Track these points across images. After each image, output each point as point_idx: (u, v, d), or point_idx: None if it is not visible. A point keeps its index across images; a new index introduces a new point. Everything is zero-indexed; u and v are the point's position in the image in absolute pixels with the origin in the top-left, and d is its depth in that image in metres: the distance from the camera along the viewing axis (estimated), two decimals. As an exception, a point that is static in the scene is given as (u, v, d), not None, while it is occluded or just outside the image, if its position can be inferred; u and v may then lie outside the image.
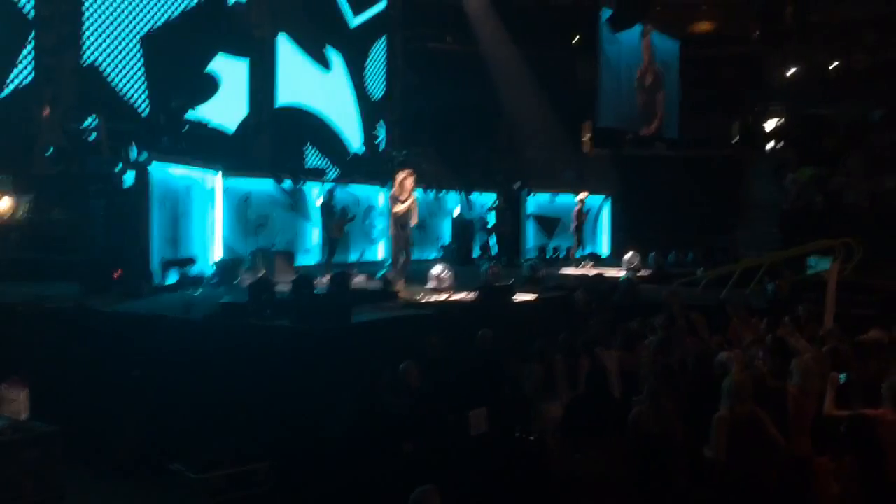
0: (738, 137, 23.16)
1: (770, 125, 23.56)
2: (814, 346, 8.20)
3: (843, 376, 6.93)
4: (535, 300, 11.77)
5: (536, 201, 19.99)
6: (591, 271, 15.63)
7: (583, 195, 18.44)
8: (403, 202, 11.50)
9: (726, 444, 5.76)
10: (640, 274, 15.03)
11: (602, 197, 21.09)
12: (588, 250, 20.38)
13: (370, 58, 20.68)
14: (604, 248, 20.97)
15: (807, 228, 16.35)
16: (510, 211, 18.73)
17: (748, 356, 7.66)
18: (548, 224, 20.29)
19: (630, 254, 16.91)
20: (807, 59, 23.48)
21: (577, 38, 23.32)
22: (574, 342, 7.95)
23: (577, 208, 18.29)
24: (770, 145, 23.11)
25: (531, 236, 19.85)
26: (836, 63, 22.90)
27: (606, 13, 20.89)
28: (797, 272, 14.15)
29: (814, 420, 6.61)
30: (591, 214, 20.98)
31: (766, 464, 5.89)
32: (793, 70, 23.64)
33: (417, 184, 12.01)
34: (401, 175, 11.70)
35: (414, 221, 11.80)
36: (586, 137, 23.15)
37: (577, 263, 17.35)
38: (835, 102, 22.34)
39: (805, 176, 19.64)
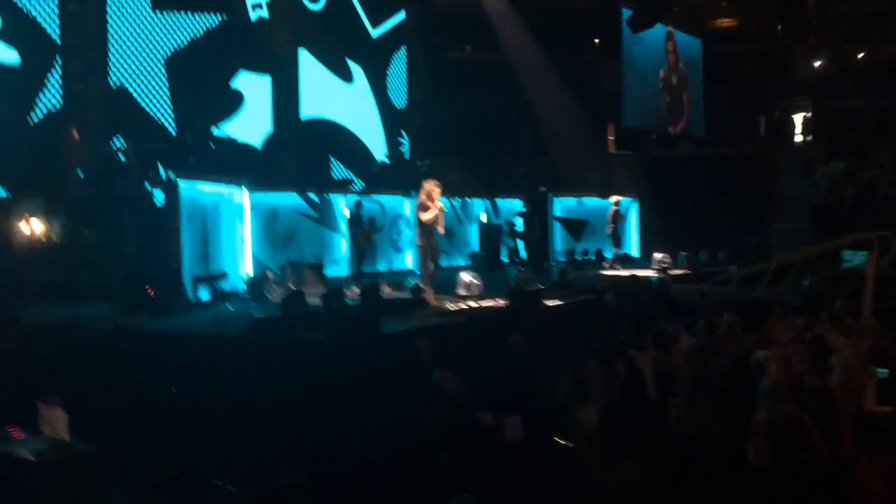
0: (765, 134, 22.91)
1: (797, 120, 23.30)
2: (852, 341, 8.05)
3: (883, 371, 6.81)
4: (565, 304, 11.70)
5: (563, 205, 19.91)
6: (639, 272, 15.48)
7: (616, 198, 18.29)
8: (430, 211, 11.53)
9: (768, 448, 5.66)
10: (671, 273, 14.90)
11: (630, 199, 20.97)
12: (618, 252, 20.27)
13: (391, 68, 20.77)
14: (633, 249, 20.82)
15: (839, 223, 16.11)
16: (537, 215, 18.67)
17: (786, 355, 7.54)
18: (575, 227, 20.19)
19: (661, 255, 16.82)
20: (831, 51, 23.18)
21: (598, 40, 23.23)
22: (608, 346, 7.88)
23: (612, 210, 18.11)
24: (798, 140, 22.84)
25: (559, 240, 19.77)
26: (861, 55, 22.60)
27: (627, 13, 20.79)
28: (832, 267, 13.94)
29: (855, 417, 6.49)
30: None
31: (809, 466, 5.78)
32: (818, 63, 23.36)
33: (443, 192, 12.05)
34: (427, 184, 11.74)
35: (441, 230, 11.83)
36: (610, 139, 23.03)
37: (608, 265, 17.26)
38: (862, 94, 22.03)
39: (836, 170, 19.36)
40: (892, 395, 6.60)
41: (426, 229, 11.66)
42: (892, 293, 10.85)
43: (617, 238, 18.20)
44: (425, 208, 11.58)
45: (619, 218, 18.09)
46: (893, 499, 5.77)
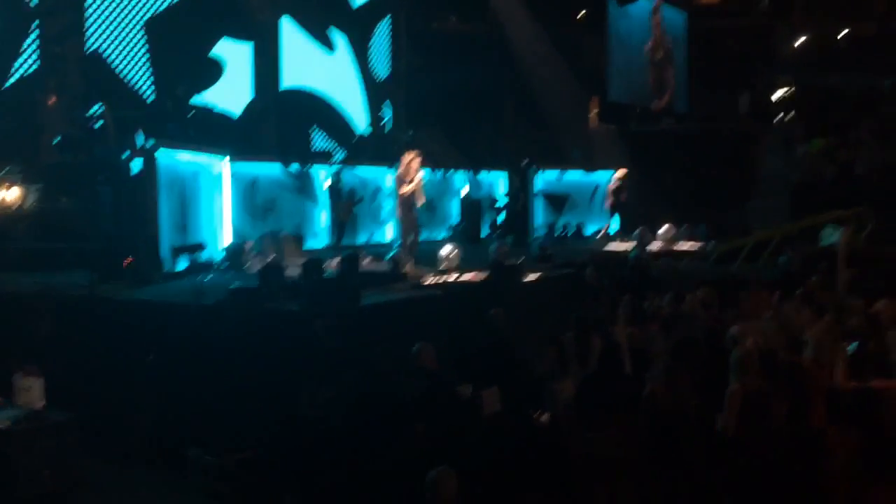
0: (746, 110, 22.94)
1: (778, 97, 23.37)
2: (826, 317, 8.15)
3: (852, 347, 6.91)
4: (545, 278, 11.75)
5: (544, 178, 19.91)
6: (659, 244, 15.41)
7: (620, 173, 18.11)
8: (410, 183, 11.50)
9: (737, 417, 5.77)
10: (650, 249, 14.98)
11: (611, 173, 20.98)
12: (597, 227, 20.34)
13: (374, 38, 20.56)
14: (613, 224, 20.88)
15: (818, 200, 16.23)
16: (520, 189, 18.67)
17: (761, 329, 7.63)
18: (556, 201, 20.21)
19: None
20: (814, 28, 23.21)
21: (583, 13, 23.10)
22: (585, 320, 7.93)
23: (613, 186, 17.99)
24: (779, 117, 22.91)
25: (540, 214, 19.80)
26: (844, 32, 22.64)
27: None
28: (810, 244, 14.08)
29: (827, 392, 6.59)
30: (600, 191, 20.90)
31: (777, 437, 5.89)
32: (801, 40, 23.38)
33: (424, 164, 12.03)
34: (407, 156, 11.76)
35: (421, 202, 11.82)
36: (593, 113, 22.98)
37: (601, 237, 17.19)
38: (844, 72, 22.10)
39: (815, 147, 19.48)
40: (862, 371, 6.70)
41: (406, 201, 11.64)
42: (867, 270, 10.97)
43: (614, 212, 17.95)
44: (405, 180, 11.55)
45: (620, 194, 17.88)
46: (853, 473, 5.89)
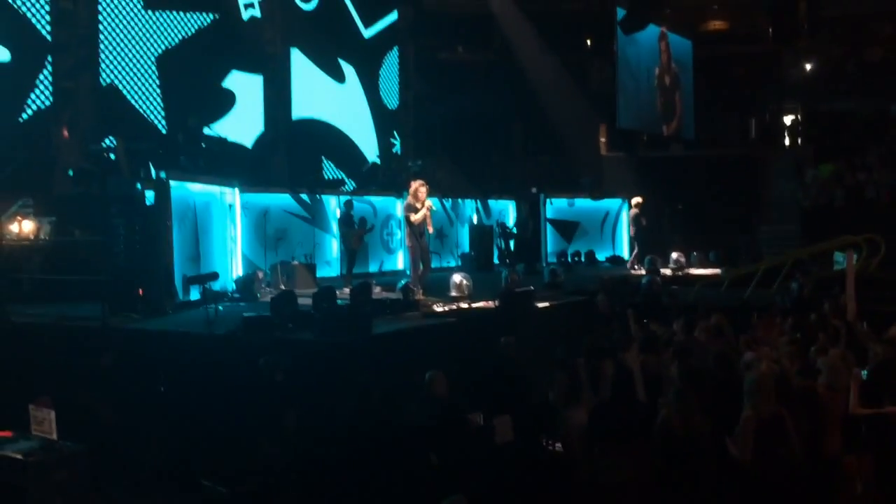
0: (755, 136, 23.01)
1: (787, 123, 23.41)
2: (841, 342, 8.11)
3: (865, 372, 6.86)
4: (556, 305, 11.74)
5: (555, 207, 19.95)
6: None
7: (637, 200, 18.04)
8: (418, 211, 11.60)
9: (752, 444, 5.71)
10: (662, 274, 14.96)
11: (620, 200, 21.04)
12: (608, 254, 20.34)
13: (383, 69, 20.77)
14: (624, 251, 20.89)
15: (828, 225, 16.20)
16: (529, 217, 18.71)
17: (775, 355, 7.59)
18: (566, 228, 20.24)
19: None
20: (821, 54, 23.30)
21: (590, 41, 23.29)
22: (597, 346, 7.90)
23: (632, 213, 17.91)
24: (788, 143, 22.94)
25: (550, 241, 19.82)
26: (850, 58, 22.73)
27: (621, 13, 20.87)
28: (821, 269, 14.03)
29: (843, 418, 6.54)
30: (609, 217, 20.92)
31: (796, 464, 5.84)
32: (808, 66, 23.47)
33: (432, 193, 12.13)
34: (414, 185, 11.88)
35: (430, 229, 11.93)
36: (602, 140, 23.07)
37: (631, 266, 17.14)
38: (851, 97, 22.15)
39: (825, 172, 19.46)
40: (874, 397, 6.65)
41: (415, 230, 11.73)
42: (879, 295, 10.92)
43: (638, 241, 17.69)
44: (413, 209, 11.68)
45: (640, 221, 17.77)
46: (870, 500, 5.82)
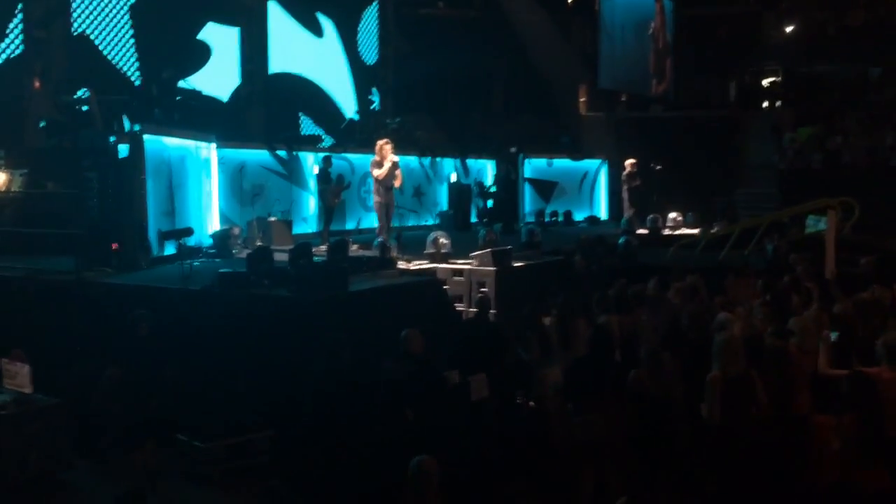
0: (734, 98, 22.99)
1: (766, 85, 23.42)
2: (814, 304, 8.22)
3: (834, 334, 6.96)
4: (533, 264, 11.77)
5: (533, 166, 19.91)
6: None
7: (631, 161, 17.98)
8: (382, 167, 12.12)
9: (720, 404, 5.81)
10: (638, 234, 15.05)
11: (599, 161, 21.03)
12: (586, 214, 20.38)
13: (362, 24, 20.46)
14: (601, 211, 20.95)
15: (805, 188, 16.29)
16: (507, 176, 18.67)
17: (747, 316, 7.68)
18: (545, 188, 20.23)
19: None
20: (803, 17, 23.24)
21: (572, -1, 23.09)
22: (571, 306, 7.95)
23: (626, 173, 17.86)
24: (767, 105, 22.97)
25: (528, 201, 19.82)
26: (832, 21, 22.70)
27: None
28: (796, 232, 14.15)
29: (813, 378, 6.65)
30: (588, 178, 20.92)
31: (761, 423, 5.94)
32: (789, 29, 23.41)
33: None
34: (379, 143, 12.47)
35: (397, 184, 12.44)
36: (582, 100, 22.97)
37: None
38: (832, 61, 22.15)
39: (803, 136, 19.53)
40: (845, 359, 6.76)
41: (383, 183, 12.20)
42: (852, 258, 11.04)
43: (631, 200, 17.76)
44: (378, 165, 12.22)
45: (631, 182, 17.74)
46: (849, 456, 5.94)
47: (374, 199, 12.66)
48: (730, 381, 5.85)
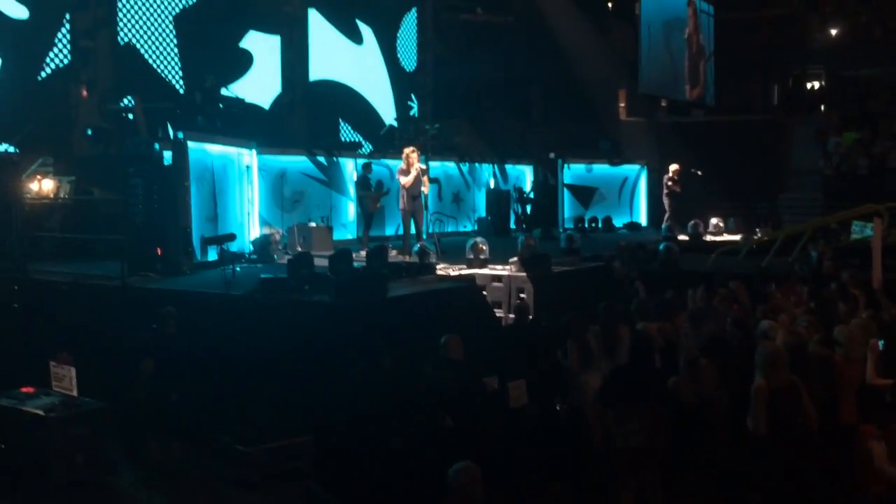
0: (778, 102, 22.68)
1: (811, 89, 23.05)
2: (861, 312, 8.06)
3: (881, 343, 6.81)
4: (572, 270, 11.71)
5: (573, 172, 19.82)
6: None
7: (675, 167, 17.86)
8: (409, 175, 12.28)
9: (766, 414, 5.68)
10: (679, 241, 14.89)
11: (639, 166, 20.86)
12: (626, 220, 20.22)
13: (401, 30, 20.57)
14: (642, 217, 20.77)
15: (851, 193, 16.00)
16: (546, 182, 18.60)
17: (792, 324, 7.55)
18: (584, 194, 20.12)
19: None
20: (847, 19, 22.83)
21: (612, 3, 22.95)
22: (612, 312, 7.88)
23: (668, 178, 17.71)
24: (811, 109, 22.60)
25: (567, 207, 19.72)
26: (877, 23, 22.26)
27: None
28: (841, 238, 13.88)
29: (860, 387, 6.51)
30: (628, 183, 20.76)
31: (811, 434, 5.82)
32: (833, 32, 23.02)
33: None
34: (406, 150, 12.63)
35: (425, 190, 12.66)
36: (622, 105, 22.83)
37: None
38: (877, 63, 21.72)
39: (849, 140, 19.17)
40: (893, 368, 6.60)
41: (410, 192, 12.35)
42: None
43: (672, 207, 17.53)
44: (405, 173, 12.34)
45: (673, 187, 17.54)
46: (894, 466, 5.82)
47: (399, 207, 12.77)
48: (775, 390, 5.73)
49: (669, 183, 17.59)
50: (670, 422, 6.02)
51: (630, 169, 20.72)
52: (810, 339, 6.90)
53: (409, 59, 20.79)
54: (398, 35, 20.46)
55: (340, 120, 18.70)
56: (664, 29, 21.97)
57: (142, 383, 7.24)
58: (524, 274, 10.63)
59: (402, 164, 12.57)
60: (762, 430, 5.67)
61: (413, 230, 12.62)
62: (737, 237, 15.95)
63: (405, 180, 12.38)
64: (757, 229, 16.01)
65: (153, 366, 7.22)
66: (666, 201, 17.67)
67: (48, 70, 13.65)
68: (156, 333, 7.63)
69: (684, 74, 22.59)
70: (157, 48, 14.93)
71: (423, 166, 12.59)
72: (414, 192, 12.42)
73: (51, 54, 13.65)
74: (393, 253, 11.88)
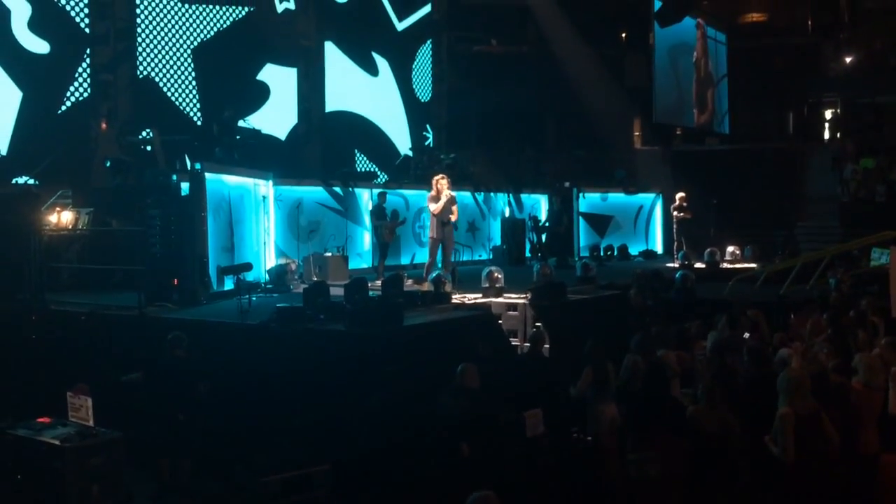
0: (793, 130, 22.65)
1: (827, 116, 23.02)
2: (881, 340, 7.96)
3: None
4: (588, 299, 11.67)
5: (588, 201, 19.82)
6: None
7: (681, 195, 17.85)
8: (438, 201, 12.31)
9: (793, 441, 5.59)
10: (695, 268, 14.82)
11: (654, 194, 20.84)
12: (642, 248, 20.16)
13: (416, 62, 20.76)
14: (657, 245, 20.70)
15: (868, 220, 15.90)
16: (562, 211, 18.60)
17: (811, 352, 7.48)
18: (599, 223, 20.10)
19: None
20: (862, 47, 22.85)
21: (625, 34, 23.08)
22: (629, 341, 7.84)
23: (675, 206, 17.72)
24: (827, 137, 22.55)
25: (583, 235, 19.70)
26: (892, 50, 22.27)
27: (658, 5, 20.67)
28: (859, 265, 13.78)
29: (880, 416, 6.43)
30: (643, 212, 20.73)
31: (830, 461, 5.74)
32: (848, 59, 23.02)
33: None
34: (435, 178, 12.66)
35: (453, 218, 12.56)
36: (637, 134, 22.86)
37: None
38: (893, 91, 21.68)
39: (865, 167, 19.11)
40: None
41: (440, 219, 12.35)
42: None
43: (679, 234, 17.54)
44: (434, 200, 12.39)
45: (682, 214, 17.45)
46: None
47: (428, 235, 12.73)
48: (800, 417, 5.65)
49: (675, 212, 17.55)
50: (689, 450, 5.96)
51: (645, 198, 20.71)
52: (828, 366, 6.84)
53: (424, 89, 20.96)
54: (413, 66, 20.64)
55: (356, 150, 18.82)
56: (672, 53, 22.06)
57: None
58: (539, 303, 10.60)
59: (431, 192, 12.59)
60: (790, 457, 5.58)
61: (440, 256, 12.58)
62: (754, 265, 15.87)
63: (434, 207, 12.39)
64: (774, 257, 15.92)
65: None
66: (674, 228, 17.61)
67: (68, 103, 13.85)
68: (162, 356, 7.67)
69: (692, 99, 22.64)
70: (176, 81, 15.13)
71: (452, 193, 12.59)
72: (444, 219, 12.42)
73: (71, 88, 13.86)
74: (409, 282, 11.88)
